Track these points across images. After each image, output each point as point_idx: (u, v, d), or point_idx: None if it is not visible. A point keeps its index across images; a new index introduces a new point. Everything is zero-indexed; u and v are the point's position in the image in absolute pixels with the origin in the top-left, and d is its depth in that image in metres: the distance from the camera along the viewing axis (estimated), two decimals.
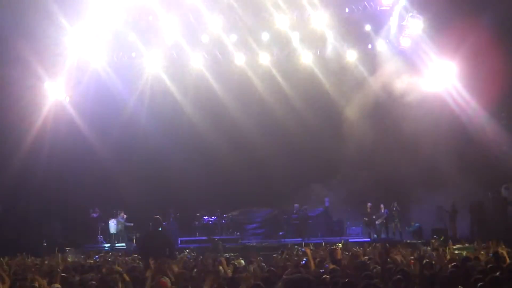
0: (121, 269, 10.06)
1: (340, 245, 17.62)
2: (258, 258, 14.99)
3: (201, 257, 16.70)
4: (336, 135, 29.48)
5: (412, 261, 12.12)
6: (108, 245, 27.06)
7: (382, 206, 27.30)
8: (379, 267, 10.45)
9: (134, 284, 9.84)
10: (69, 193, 27.78)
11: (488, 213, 25.76)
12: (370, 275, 9.20)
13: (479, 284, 8.17)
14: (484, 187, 26.14)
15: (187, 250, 21.12)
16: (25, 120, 26.98)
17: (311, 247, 16.24)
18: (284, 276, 9.32)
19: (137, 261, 15.00)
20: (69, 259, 17.35)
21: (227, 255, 18.14)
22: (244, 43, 29.44)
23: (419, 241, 23.04)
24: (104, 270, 11.35)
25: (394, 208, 26.86)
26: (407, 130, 27.20)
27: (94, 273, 11.85)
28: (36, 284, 9.39)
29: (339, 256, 11.65)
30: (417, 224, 26.76)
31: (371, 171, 27.98)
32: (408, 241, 23.81)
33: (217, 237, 26.93)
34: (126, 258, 17.50)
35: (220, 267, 11.95)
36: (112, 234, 28.18)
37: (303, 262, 12.24)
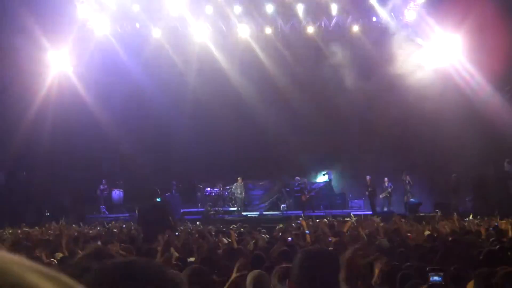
0: (115, 250, 10.03)
1: (352, 219, 17.36)
2: (258, 228, 15.00)
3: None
4: (340, 106, 29.35)
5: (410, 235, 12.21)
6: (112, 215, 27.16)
7: (386, 179, 27.16)
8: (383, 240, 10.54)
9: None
10: (73, 162, 27.83)
11: (490, 187, 25.75)
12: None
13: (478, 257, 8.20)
14: (487, 161, 26.12)
15: (197, 223, 21.07)
16: (29, 90, 26.98)
17: (311, 221, 16.24)
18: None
19: (139, 233, 15.07)
20: (74, 228, 17.47)
21: (234, 226, 18.26)
22: (248, 15, 29.30)
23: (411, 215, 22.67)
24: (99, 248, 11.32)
25: (407, 181, 26.61)
26: (411, 103, 27.09)
27: (96, 243, 11.89)
28: (38, 254, 9.42)
29: (346, 230, 11.70)
30: (412, 200, 26.58)
31: (375, 144, 27.87)
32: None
33: (215, 208, 27.12)
34: (128, 229, 17.62)
35: (223, 239, 12.06)
36: (115, 204, 28.43)
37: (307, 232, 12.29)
